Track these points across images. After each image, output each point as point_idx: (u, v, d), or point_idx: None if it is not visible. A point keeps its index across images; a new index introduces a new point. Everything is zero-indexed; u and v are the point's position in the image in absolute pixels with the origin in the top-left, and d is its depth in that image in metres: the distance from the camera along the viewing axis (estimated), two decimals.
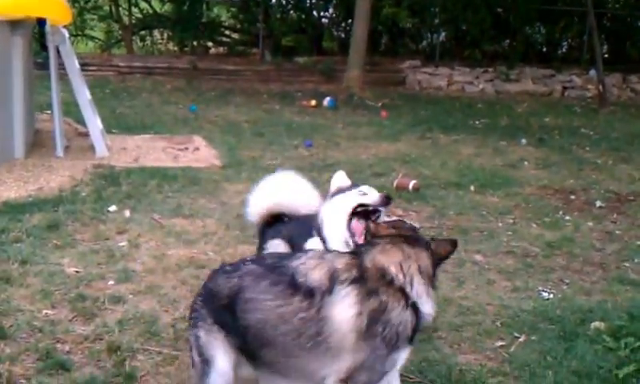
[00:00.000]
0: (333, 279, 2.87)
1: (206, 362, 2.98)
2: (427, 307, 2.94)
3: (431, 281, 2.98)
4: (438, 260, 3.04)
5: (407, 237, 3.05)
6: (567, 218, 7.22)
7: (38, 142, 9.06)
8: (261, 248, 3.75)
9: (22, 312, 4.29)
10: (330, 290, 2.84)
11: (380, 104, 14.85)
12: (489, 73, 18.53)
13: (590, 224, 7.03)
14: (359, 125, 12.27)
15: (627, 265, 5.94)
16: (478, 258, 5.85)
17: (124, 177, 7.67)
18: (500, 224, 6.88)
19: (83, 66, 10.68)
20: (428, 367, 3.94)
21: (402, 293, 2.89)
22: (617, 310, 4.86)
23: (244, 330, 2.92)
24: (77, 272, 5.00)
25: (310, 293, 2.85)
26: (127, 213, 6.43)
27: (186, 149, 9.47)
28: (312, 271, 2.91)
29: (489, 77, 18.48)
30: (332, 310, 2.83)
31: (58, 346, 3.93)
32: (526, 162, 9.79)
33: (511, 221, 7.00)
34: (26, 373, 3.63)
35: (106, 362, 3.80)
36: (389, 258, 2.95)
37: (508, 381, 3.89)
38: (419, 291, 2.92)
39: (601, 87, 16.29)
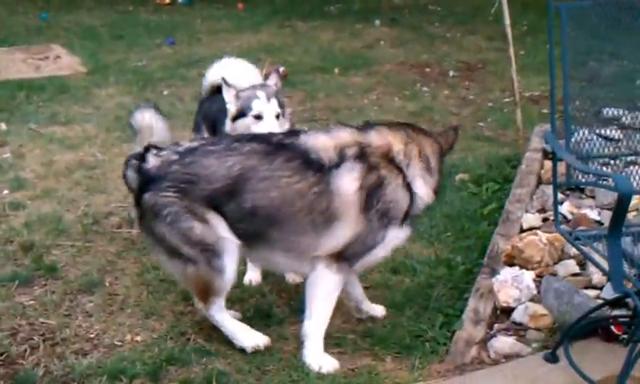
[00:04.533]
0: (341, 154, 3.06)
1: (211, 251, 3.07)
2: (422, 191, 3.18)
3: (430, 168, 3.20)
4: (443, 150, 3.30)
5: (413, 125, 3.34)
6: (425, 89, 7.79)
7: None
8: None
9: None
10: (338, 165, 3.04)
11: None
12: None
13: (446, 92, 7.65)
14: (218, 19, 12.27)
15: (481, 124, 6.61)
16: None
17: None
18: (366, 101, 7.35)
19: None
20: None
21: (400, 171, 3.12)
22: (477, 162, 5.50)
23: (252, 210, 3.03)
24: None
25: (321, 168, 3.03)
26: (2, 125, 6.38)
27: (47, 58, 9.25)
28: (322, 147, 3.07)
29: None
30: (339, 184, 3.03)
31: None
32: (382, 42, 10.25)
33: (375, 97, 7.49)
34: None
35: (23, 259, 3.99)
36: (394, 138, 3.17)
37: None
38: (415, 173, 3.15)
39: None
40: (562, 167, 3.11)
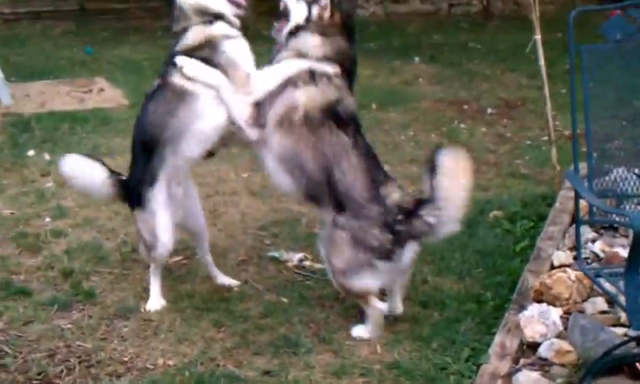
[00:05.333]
0: None
1: None
2: None
3: None
4: None
5: None
6: (462, 125, 7.84)
7: None
8: None
9: None
10: None
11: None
12: None
13: (484, 129, 7.68)
14: (259, 55, 12.44)
15: (518, 162, 6.62)
16: (386, 167, 6.28)
17: (35, 122, 7.72)
18: (402, 137, 7.41)
19: None
20: None
21: None
22: (511, 199, 5.50)
23: None
24: (12, 213, 5.20)
25: None
26: (46, 156, 6.57)
27: (91, 91, 9.52)
28: None
29: None
30: None
31: (14, 277, 4.20)
32: (420, 79, 10.34)
33: (412, 133, 7.55)
34: None
35: (63, 285, 4.12)
36: None
37: (422, 265, 4.41)
38: None
39: (485, 2, 17.01)
40: None
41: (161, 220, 3.82)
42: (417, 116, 8.22)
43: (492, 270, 4.32)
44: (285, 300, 4.01)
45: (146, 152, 3.87)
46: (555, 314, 3.34)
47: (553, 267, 3.97)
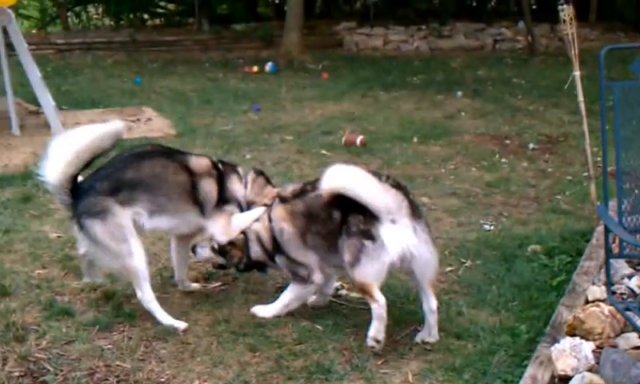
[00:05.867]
0: None
1: None
2: None
3: None
4: None
5: None
6: (503, 160, 7.85)
7: None
8: None
9: (16, 273, 4.66)
10: None
11: (320, 66, 15.28)
12: (422, 31, 19.05)
13: (525, 164, 7.68)
14: (302, 87, 12.70)
15: (559, 197, 6.60)
16: (425, 199, 6.40)
17: None
18: (443, 170, 7.46)
19: None
20: (388, 291, 4.45)
21: None
22: (550, 234, 5.49)
23: None
24: (59, 237, 5.36)
25: None
26: None
27: (139, 120, 9.76)
28: None
29: (423, 35, 19.00)
30: None
31: (58, 297, 4.34)
32: (462, 113, 10.40)
33: (453, 166, 7.59)
34: (34, 320, 4.04)
35: (105, 306, 4.24)
36: None
37: (458, 297, 4.47)
38: None
39: (530, 38, 17.01)
40: None
41: None
42: (458, 150, 8.26)
43: (528, 304, 4.32)
44: (319, 327, 4.06)
45: None
46: (587, 347, 3.33)
47: (587, 302, 3.96)
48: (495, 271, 4.83)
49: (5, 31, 8.88)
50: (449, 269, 4.91)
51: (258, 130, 9.19)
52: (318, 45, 17.71)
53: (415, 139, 8.68)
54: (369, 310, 4.17)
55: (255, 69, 14.79)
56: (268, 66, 14.87)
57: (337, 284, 4.57)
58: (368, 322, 4.04)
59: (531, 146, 8.43)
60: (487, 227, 5.77)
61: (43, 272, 4.73)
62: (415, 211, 3.86)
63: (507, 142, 8.68)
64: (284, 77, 14.06)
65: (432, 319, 3.92)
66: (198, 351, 3.81)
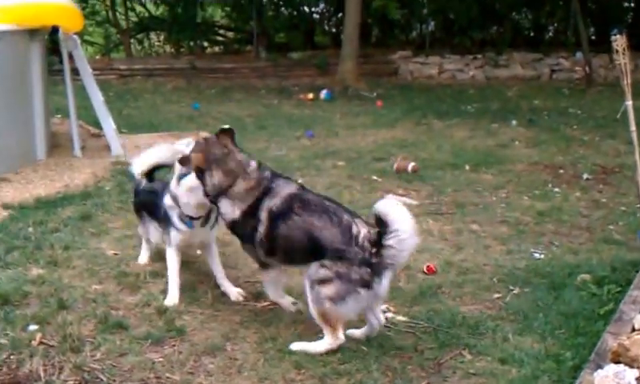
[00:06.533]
0: None
1: None
2: None
3: None
4: None
5: None
6: (556, 190, 7.80)
7: (54, 144, 9.55)
8: None
9: (73, 288, 4.84)
10: None
11: (375, 94, 15.41)
12: (478, 60, 19.05)
13: (578, 194, 7.63)
14: (356, 114, 12.83)
15: (612, 228, 6.53)
16: (475, 227, 6.42)
17: None
18: (494, 198, 7.45)
19: None
20: (434, 315, 4.53)
21: None
22: (601, 264, 5.44)
23: None
24: (116, 254, 5.56)
25: None
26: None
27: None
28: None
29: (479, 64, 19.01)
30: None
31: (113, 312, 4.50)
32: (516, 142, 10.37)
33: (504, 195, 7.58)
34: (90, 333, 4.21)
35: (157, 321, 4.38)
36: None
37: (504, 324, 4.47)
38: None
39: (587, 68, 16.87)
40: None
41: None
42: (510, 178, 8.25)
43: (574, 332, 4.30)
44: (364, 348, 4.12)
45: None
46: (631, 375, 3.31)
47: (634, 330, 3.93)
48: (543, 299, 4.82)
49: (71, 56, 9.26)
50: (496, 295, 4.92)
51: (311, 155, 9.32)
52: (373, 73, 17.86)
53: (467, 167, 8.69)
54: (414, 334, 4.25)
55: (310, 96, 15.00)
56: (323, 94, 15.07)
57: (383, 306, 4.63)
58: (413, 346, 4.12)
59: (585, 175, 8.36)
60: (537, 255, 5.75)
61: (99, 287, 4.90)
62: None
63: (561, 171, 8.63)
64: (338, 104, 14.23)
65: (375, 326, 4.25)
66: (245, 367, 3.90)
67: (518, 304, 4.77)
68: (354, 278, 3.95)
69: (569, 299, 4.78)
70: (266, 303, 4.72)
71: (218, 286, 4.93)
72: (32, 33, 8.55)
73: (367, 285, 3.96)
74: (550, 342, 4.21)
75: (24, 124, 8.49)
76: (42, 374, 3.78)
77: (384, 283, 4.00)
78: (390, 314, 4.58)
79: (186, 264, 5.34)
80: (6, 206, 6.70)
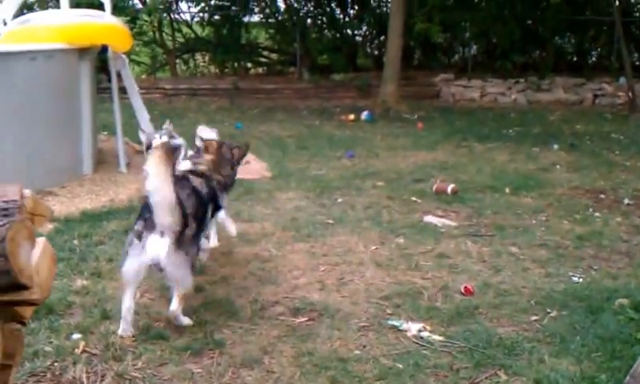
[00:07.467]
0: None
1: None
2: None
3: None
4: None
5: None
6: (597, 214, 7.75)
7: (101, 160, 9.79)
8: None
9: (117, 299, 4.96)
10: None
11: (416, 116, 15.45)
12: (520, 83, 18.99)
13: (619, 219, 7.57)
14: (397, 136, 12.89)
15: None
16: (514, 249, 6.42)
17: None
18: (534, 221, 7.43)
19: None
20: (471, 335, 4.55)
21: None
22: None
23: None
24: None
25: None
26: None
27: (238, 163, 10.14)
28: None
29: (521, 87, 18.94)
30: None
31: (154, 323, 4.62)
32: (557, 166, 10.32)
33: (544, 218, 7.55)
34: (132, 343, 4.33)
35: (197, 333, 4.48)
36: None
37: (541, 345, 4.48)
38: None
39: (630, 94, 16.71)
40: None
41: None
42: (550, 202, 8.22)
43: (610, 355, 4.29)
44: (400, 366, 4.17)
45: None
46: None
47: None
48: (580, 322, 4.81)
49: (119, 75, 9.52)
50: (534, 318, 4.92)
51: (351, 175, 9.41)
52: (414, 95, 17.91)
53: (507, 190, 8.68)
54: (450, 353, 4.29)
55: (351, 117, 15.10)
56: (364, 115, 15.17)
57: (419, 325, 4.68)
58: (449, 365, 4.15)
59: (626, 201, 8.30)
60: (576, 279, 5.73)
61: (142, 299, 5.03)
62: None
63: (602, 196, 8.57)
64: (379, 125, 14.30)
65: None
66: (281, 380, 3.98)
67: (554, 326, 4.77)
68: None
69: (606, 323, 4.76)
70: (303, 319, 4.80)
71: (256, 301, 5.03)
72: (82, 51, 8.80)
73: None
74: (585, 365, 4.20)
75: (72, 140, 8.73)
76: (84, 381, 3.90)
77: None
78: (426, 333, 4.62)
79: (224, 279, 5.47)
80: (52, 219, 6.89)
